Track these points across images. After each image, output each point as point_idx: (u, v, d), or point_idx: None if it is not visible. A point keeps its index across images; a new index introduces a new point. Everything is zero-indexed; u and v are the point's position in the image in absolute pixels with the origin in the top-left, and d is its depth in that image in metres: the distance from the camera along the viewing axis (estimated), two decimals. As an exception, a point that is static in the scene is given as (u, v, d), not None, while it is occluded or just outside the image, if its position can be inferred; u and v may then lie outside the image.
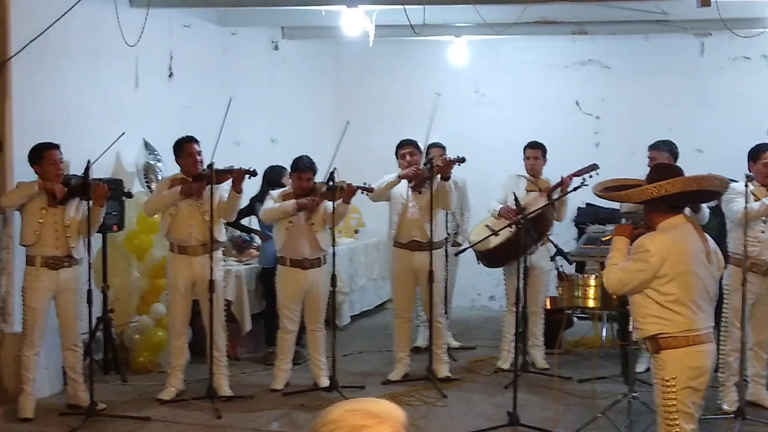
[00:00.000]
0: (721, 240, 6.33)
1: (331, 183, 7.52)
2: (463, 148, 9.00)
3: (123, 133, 7.28)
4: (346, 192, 7.61)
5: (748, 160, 7.12)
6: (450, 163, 7.83)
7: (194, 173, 7.42)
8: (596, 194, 5.52)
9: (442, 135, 9.13)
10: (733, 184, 6.83)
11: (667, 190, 4.90)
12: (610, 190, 5.36)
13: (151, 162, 8.52)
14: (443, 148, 9.01)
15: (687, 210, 6.71)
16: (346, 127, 7.55)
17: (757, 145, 7.14)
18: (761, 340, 7.21)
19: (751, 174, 6.91)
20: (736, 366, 6.97)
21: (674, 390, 4.85)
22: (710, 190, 5.20)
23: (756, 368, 7.26)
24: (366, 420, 2.09)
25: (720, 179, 5.19)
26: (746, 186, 6.69)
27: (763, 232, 6.94)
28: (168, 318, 7.76)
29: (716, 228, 7.33)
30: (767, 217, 6.90)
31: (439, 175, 7.83)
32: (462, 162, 7.90)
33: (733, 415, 6.77)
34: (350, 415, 2.10)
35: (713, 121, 10.43)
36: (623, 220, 7.88)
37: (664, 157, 7.73)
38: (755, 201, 6.79)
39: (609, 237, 5.37)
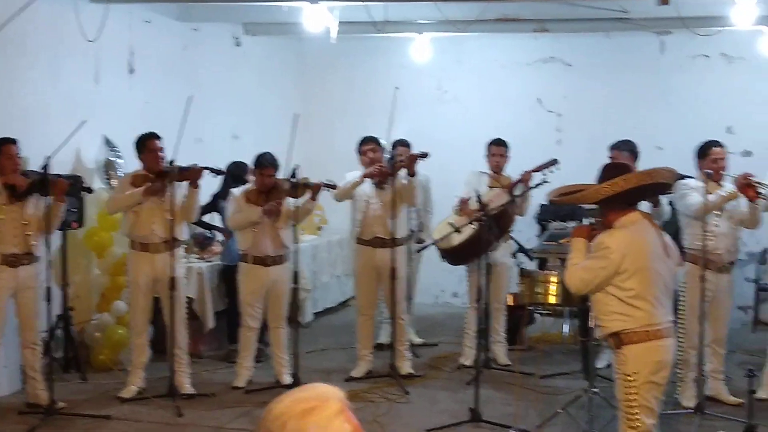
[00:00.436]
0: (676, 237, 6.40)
1: (293, 179, 7.50)
2: (426, 145, 9.03)
3: (84, 121, 7.18)
4: (313, 189, 7.61)
5: (696, 158, 7.18)
6: (414, 159, 7.84)
7: (157, 170, 7.37)
8: (552, 201, 5.61)
9: (406, 132, 9.17)
10: (686, 180, 6.92)
11: (622, 187, 4.93)
12: (565, 195, 5.39)
13: (111, 158, 8.46)
14: (408, 145, 9.05)
15: (647, 206, 6.80)
16: (295, 120, 7.47)
17: (704, 143, 7.21)
18: (718, 336, 7.30)
19: (710, 171, 6.94)
20: (694, 362, 7.04)
21: (636, 385, 4.88)
22: (663, 182, 5.29)
23: (714, 364, 7.33)
24: (312, 402, 2.16)
25: (670, 171, 5.28)
26: (705, 181, 6.73)
27: (717, 225, 7.02)
28: (129, 315, 7.71)
29: (675, 225, 7.39)
30: (720, 211, 6.99)
31: (403, 171, 7.84)
32: (425, 157, 7.92)
33: (692, 410, 6.84)
34: (296, 402, 2.17)
35: (673, 119, 10.51)
36: (584, 219, 7.95)
37: (624, 157, 7.79)
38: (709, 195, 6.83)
39: (568, 240, 5.39)
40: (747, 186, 6.82)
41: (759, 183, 6.89)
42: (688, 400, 7.02)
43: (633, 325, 4.89)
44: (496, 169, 8.48)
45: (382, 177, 7.94)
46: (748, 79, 10.52)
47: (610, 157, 7.74)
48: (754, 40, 9.87)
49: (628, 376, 4.89)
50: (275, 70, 11.67)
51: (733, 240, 7.16)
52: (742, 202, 6.96)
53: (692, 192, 6.84)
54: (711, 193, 6.74)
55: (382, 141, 8.23)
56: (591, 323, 6.74)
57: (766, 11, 8.17)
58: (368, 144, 8.13)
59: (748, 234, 9.70)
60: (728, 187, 6.89)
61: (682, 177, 6.92)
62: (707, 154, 7.08)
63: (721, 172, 6.99)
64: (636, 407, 4.90)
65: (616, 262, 4.88)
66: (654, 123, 10.48)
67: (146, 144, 7.41)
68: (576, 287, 5.08)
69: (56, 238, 7.51)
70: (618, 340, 4.93)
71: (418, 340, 9.33)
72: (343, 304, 11.23)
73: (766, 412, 7.00)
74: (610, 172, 5.15)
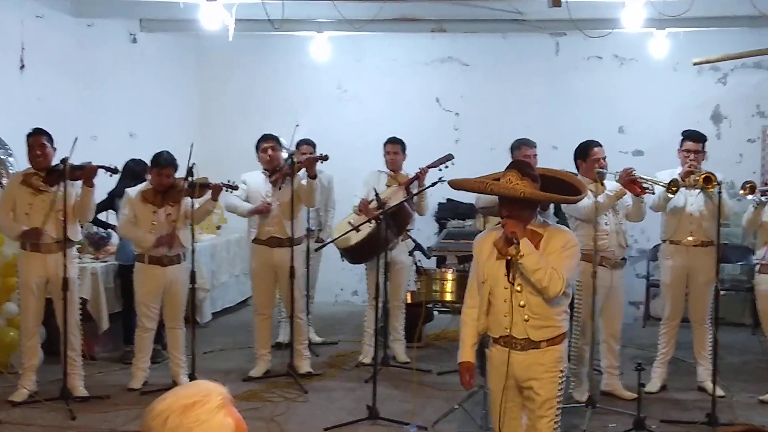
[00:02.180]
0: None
1: (190, 179, 7.42)
2: (326, 144, 9.07)
3: None
4: (213, 190, 7.55)
5: (576, 159, 7.32)
6: (313, 161, 7.85)
7: (40, 167, 7.21)
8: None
9: (306, 131, 9.15)
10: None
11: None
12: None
13: (1, 157, 8.24)
14: (313, 145, 9.04)
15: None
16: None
17: (584, 143, 7.34)
18: (613, 332, 7.47)
19: (602, 171, 7.06)
20: (587, 357, 7.20)
21: (563, 381, 4.96)
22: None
23: (609, 360, 7.50)
24: (194, 398, 2.18)
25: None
26: (591, 182, 6.86)
27: (607, 224, 7.18)
28: (20, 317, 7.51)
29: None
30: (610, 210, 7.15)
31: (303, 171, 7.84)
32: (325, 159, 7.96)
33: (584, 404, 6.99)
34: (178, 399, 2.18)
35: (568, 119, 10.71)
36: (480, 216, 8.05)
37: (534, 154, 7.93)
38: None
39: (514, 248, 4.61)
40: (631, 182, 7.01)
41: (642, 178, 7.08)
42: (581, 394, 7.17)
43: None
44: (392, 167, 8.53)
45: (266, 212, 7.96)
46: (639, 80, 10.80)
47: (524, 155, 7.87)
48: (644, 42, 10.14)
49: (562, 372, 4.92)
50: (173, 68, 11.52)
51: (623, 236, 7.34)
52: (627, 197, 7.14)
53: None
54: (599, 194, 6.88)
55: (282, 140, 8.20)
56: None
57: (655, 14, 8.39)
58: (267, 142, 8.09)
59: (638, 231, 10.01)
60: (613, 185, 7.05)
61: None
62: (588, 154, 7.21)
63: (604, 171, 7.14)
64: (560, 404, 4.95)
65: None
66: (549, 123, 10.67)
67: (28, 140, 7.26)
68: (558, 292, 4.69)
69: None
70: (562, 336, 4.89)
71: (317, 339, 9.33)
72: (243, 304, 11.16)
73: (655, 405, 7.22)
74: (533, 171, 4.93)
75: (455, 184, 5.08)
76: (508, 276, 4.75)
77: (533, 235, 4.72)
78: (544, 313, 4.76)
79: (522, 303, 4.73)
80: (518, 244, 4.60)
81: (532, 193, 4.70)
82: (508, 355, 4.77)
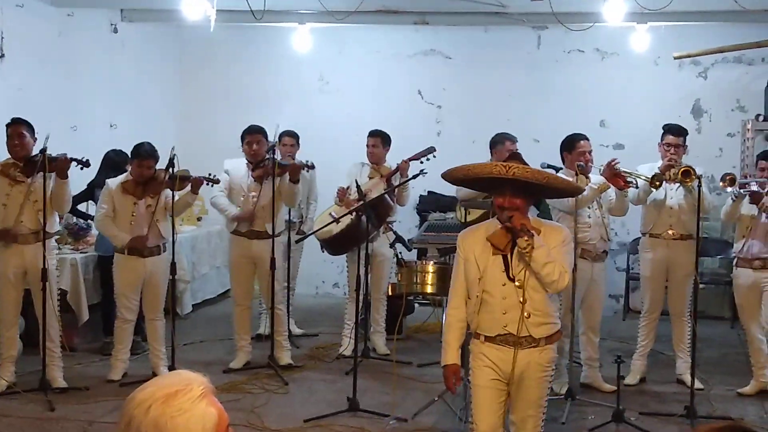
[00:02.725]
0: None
1: (171, 171, 7.38)
2: (308, 135, 9.09)
3: None
4: (193, 183, 7.53)
5: (562, 152, 7.34)
6: (297, 168, 7.85)
7: (18, 157, 7.17)
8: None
9: (288, 123, 9.12)
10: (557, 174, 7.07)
11: None
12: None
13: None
14: (295, 136, 9.00)
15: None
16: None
17: (570, 136, 7.37)
18: (593, 324, 7.50)
19: (582, 164, 7.06)
20: (567, 349, 7.22)
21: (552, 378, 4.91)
22: None
23: (588, 352, 7.53)
24: (175, 387, 2.18)
25: None
26: (575, 174, 6.88)
27: (590, 217, 7.21)
28: (-2, 308, 7.48)
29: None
30: (594, 203, 7.18)
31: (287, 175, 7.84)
32: (311, 168, 8.03)
33: (563, 396, 7.02)
34: (159, 388, 2.18)
35: (550, 112, 10.72)
36: (461, 207, 8.06)
37: (516, 148, 7.96)
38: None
39: (526, 240, 4.50)
40: (615, 176, 7.03)
41: (626, 172, 7.11)
42: (561, 386, 7.19)
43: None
44: (373, 160, 8.52)
45: (250, 217, 7.96)
46: (620, 74, 10.82)
47: (507, 150, 7.90)
48: (626, 36, 10.15)
49: (553, 370, 4.87)
50: (154, 58, 11.46)
51: (605, 229, 7.36)
52: (611, 191, 7.17)
53: None
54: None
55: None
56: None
57: (636, 8, 8.41)
58: (254, 135, 8.04)
59: (619, 224, 10.05)
60: (597, 178, 7.08)
61: (550, 167, 7.10)
62: (574, 147, 7.23)
63: (591, 165, 7.17)
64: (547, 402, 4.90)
65: None
66: (531, 116, 10.69)
67: (7, 131, 7.22)
68: (564, 287, 4.71)
69: None
70: (557, 335, 4.81)
71: (298, 331, 9.33)
72: (224, 295, 11.11)
73: (634, 398, 7.26)
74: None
75: (464, 170, 4.73)
76: (507, 272, 4.64)
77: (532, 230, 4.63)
78: (544, 309, 4.67)
79: (522, 299, 4.61)
80: (531, 236, 4.50)
81: (556, 179, 4.64)
82: (514, 354, 4.62)
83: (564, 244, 4.70)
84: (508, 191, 4.60)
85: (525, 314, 4.61)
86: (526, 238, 4.50)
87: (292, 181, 7.83)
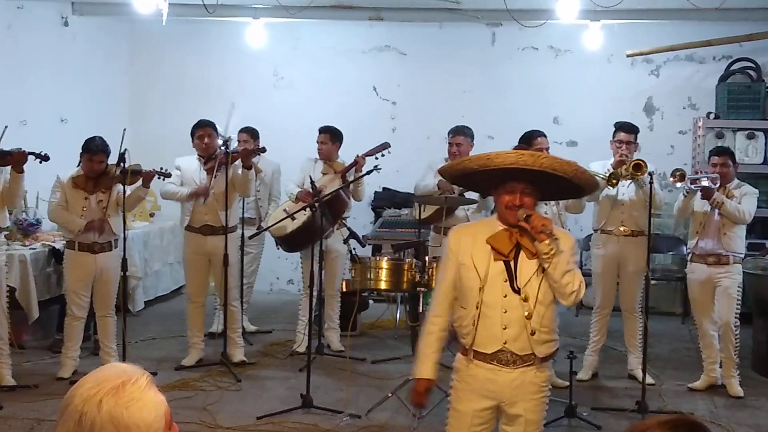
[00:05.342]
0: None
1: (122, 165, 7.30)
2: (262, 131, 9.02)
3: None
4: (145, 177, 7.45)
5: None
6: (249, 153, 7.79)
7: None
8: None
9: (242, 118, 9.08)
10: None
11: None
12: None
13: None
14: (253, 133, 8.93)
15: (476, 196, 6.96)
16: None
17: (528, 132, 7.41)
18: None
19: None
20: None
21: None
22: None
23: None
24: (120, 378, 2.16)
25: None
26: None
27: (546, 213, 7.22)
28: (-55, 306, 7.34)
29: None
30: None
31: (238, 161, 7.78)
32: (262, 152, 7.97)
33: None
34: (102, 382, 2.15)
35: (504, 109, 10.75)
36: (417, 204, 8.05)
37: (468, 142, 8.00)
38: None
39: (549, 244, 4.00)
40: None
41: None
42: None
43: None
44: (322, 156, 8.48)
45: (204, 193, 7.88)
46: (573, 72, 10.88)
47: (455, 143, 7.93)
48: (579, 33, 10.20)
49: (549, 390, 4.35)
50: (106, 52, 11.31)
51: (561, 225, 7.38)
52: None
53: None
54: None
55: (218, 126, 8.11)
56: (421, 309, 6.90)
57: (589, 5, 8.46)
58: (203, 129, 7.99)
59: (572, 221, 10.07)
60: None
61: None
62: (532, 144, 7.26)
63: None
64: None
65: None
66: (485, 112, 10.69)
67: None
68: (579, 299, 4.17)
69: None
70: (555, 352, 4.32)
71: (251, 328, 9.27)
72: (176, 292, 11.03)
73: (586, 393, 7.31)
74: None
75: (482, 159, 4.09)
76: (510, 282, 4.10)
77: None
78: (550, 325, 4.16)
79: (527, 314, 4.08)
80: (556, 239, 3.99)
81: (585, 172, 4.13)
82: (509, 374, 4.11)
83: (574, 252, 4.15)
84: (519, 187, 4.07)
85: (530, 330, 4.08)
86: (548, 241, 3.98)
87: (245, 167, 7.76)
